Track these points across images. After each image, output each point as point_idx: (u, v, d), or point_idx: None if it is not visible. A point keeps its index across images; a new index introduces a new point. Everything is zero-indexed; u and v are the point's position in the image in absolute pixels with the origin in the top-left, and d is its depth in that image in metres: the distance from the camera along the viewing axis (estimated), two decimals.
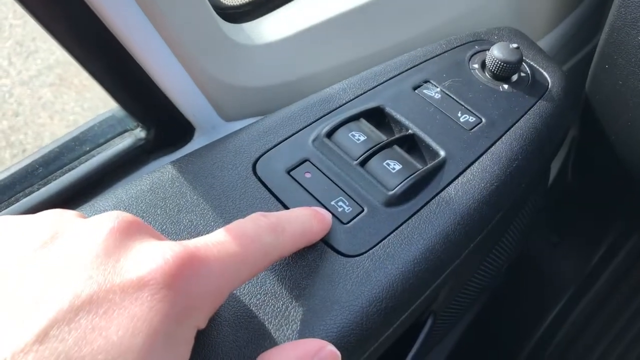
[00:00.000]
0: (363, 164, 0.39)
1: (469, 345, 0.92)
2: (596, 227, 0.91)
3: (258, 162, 0.39)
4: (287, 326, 0.32)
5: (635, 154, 0.54)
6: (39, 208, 0.43)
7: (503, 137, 0.43)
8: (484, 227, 0.40)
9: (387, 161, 0.39)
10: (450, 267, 0.38)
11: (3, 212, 0.42)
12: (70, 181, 0.44)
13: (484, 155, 0.41)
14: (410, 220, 0.37)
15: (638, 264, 0.93)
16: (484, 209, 0.39)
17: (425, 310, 0.45)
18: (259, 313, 0.32)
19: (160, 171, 0.39)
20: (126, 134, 0.46)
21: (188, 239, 0.34)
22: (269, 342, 0.31)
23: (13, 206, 0.42)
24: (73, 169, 0.44)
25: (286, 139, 0.41)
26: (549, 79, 0.47)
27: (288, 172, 0.39)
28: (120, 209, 0.36)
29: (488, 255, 0.53)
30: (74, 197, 0.43)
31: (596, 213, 0.90)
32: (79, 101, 1.54)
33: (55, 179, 0.44)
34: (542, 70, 0.47)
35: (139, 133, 0.46)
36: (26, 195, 0.43)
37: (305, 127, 0.41)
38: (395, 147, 0.41)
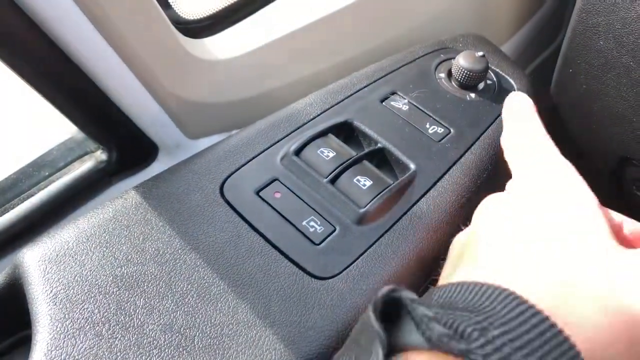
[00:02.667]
0: (333, 181, 0.38)
1: None
2: None
3: (225, 183, 0.38)
4: (261, 356, 0.31)
5: (599, 155, 0.54)
6: None
7: (472, 147, 0.42)
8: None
9: (358, 177, 0.39)
10: (425, 283, 0.37)
11: None
12: (29, 209, 0.42)
13: (454, 167, 0.41)
14: (383, 238, 0.37)
15: None
16: (455, 222, 0.39)
17: None
18: (232, 344, 0.31)
19: (124, 197, 0.37)
20: (86, 157, 0.44)
21: (154, 268, 0.33)
22: None
23: None
24: (31, 195, 0.42)
25: (253, 157, 0.40)
26: (514, 85, 0.47)
27: (257, 193, 0.38)
28: (82, 240, 0.35)
29: None
30: (32, 227, 0.41)
31: None
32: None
33: (12, 208, 0.42)
34: (508, 77, 0.47)
35: (100, 155, 0.44)
36: None
37: (273, 144, 0.40)
38: (365, 162, 0.40)
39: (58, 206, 0.43)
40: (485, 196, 0.39)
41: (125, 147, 0.44)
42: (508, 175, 0.36)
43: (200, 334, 0.32)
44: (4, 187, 0.42)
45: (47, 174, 0.43)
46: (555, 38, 0.74)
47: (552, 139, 0.61)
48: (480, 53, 0.45)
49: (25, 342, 0.39)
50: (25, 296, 0.35)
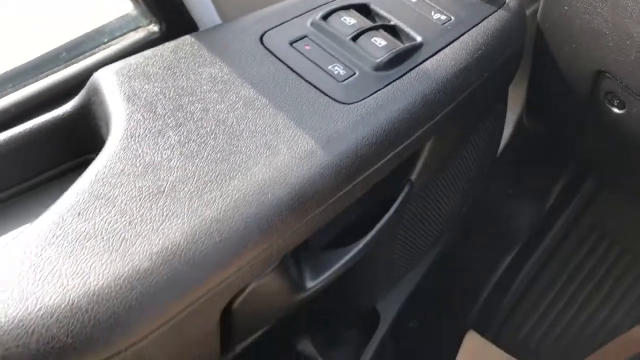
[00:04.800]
0: (354, 39, 0.46)
1: (426, 292, 0.98)
2: (549, 176, 0.99)
3: (264, 35, 0.46)
4: (292, 148, 0.38)
5: (578, 71, 0.62)
6: (61, 84, 0.48)
7: (469, 31, 0.50)
8: (454, 98, 0.47)
9: (374, 38, 0.46)
10: (427, 124, 0.45)
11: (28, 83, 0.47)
12: (92, 64, 0.49)
13: (454, 43, 0.49)
14: (395, 83, 0.44)
15: (589, 210, 1.01)
16: (454, 82, 0.47)
17: (404, 177, 0.51)
18: (275, 139, 0.38)
19: (179, 41, 0.44)
20: (140, 29, 0.52)
21: (208, 85, 0.40)
22: None
23: (40, 81, 0.47)
24: (93, 54, 0.50)
25: (287, 21, 0.47)
26: None
27: (291, 44, 0.45)
28: (148, 63, 0.42)
29: (455, 153, 0.60)
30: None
31: (549, 162, 0.98)
32: None
33: (78, 62, 0.49)
34: None
35: (152, 28, 0.52)
36: (51, 74, 0.48)
37: (303, 14, 0.48)
38: (381, 30, 0.48)
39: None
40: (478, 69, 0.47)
41: (172, 22, 0.52)
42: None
43: (248, 130, 0.39)
44: (73, 45, 0.49)
45: (106, 40, 0.51)
46: None
47: (538, 58, 0.69)
48: None
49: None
50: (95, 118, 0.42)
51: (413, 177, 0.50)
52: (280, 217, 0.36)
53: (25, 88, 0.46)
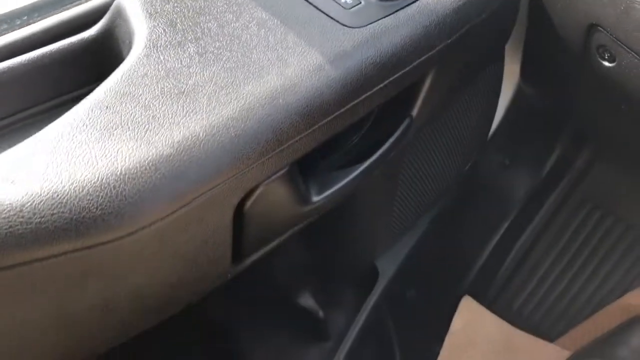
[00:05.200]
0: None
1: (423, 256, 1.01)
2: (544, 148, 1.02)
3: None
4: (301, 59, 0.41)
5: (571, 24, 0.65)
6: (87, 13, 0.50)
7: None
8: (453, 33, 0.50)
9: None
10: (427, 53, 0.48)
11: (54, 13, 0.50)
12: None
13: None
14: (398, 12, 0.48)
15: (583, 181, 1.04)
16: (453, 17, 0.50)
17: (405, 111, 0.55)
18: (285, 49, 0.41)
19: None
20: None
21: (224, 10, 0.43)
22: None
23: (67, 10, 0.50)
24: None
25: None
26: None
27: None
28: None
29: (453, 100, 0.63)
30: None
31: (545, 134, 1.01)
32: None
33: None
34: None
35: None
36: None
37: None
38: None
39: None
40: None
41: None
42: None
43: (261, 46, 0.42)
44: None
45: None
46: None
47: (533, 16, 0.72)
48: None
49: None
50: (119, 40, 0.45)
51: (414, 112, 0.53)
52: (290, 120, 0.39)
53: (52, 16, 0.49)
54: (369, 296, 0.83)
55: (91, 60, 0.46)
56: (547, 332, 1.02)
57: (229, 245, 0.42)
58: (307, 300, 0.82)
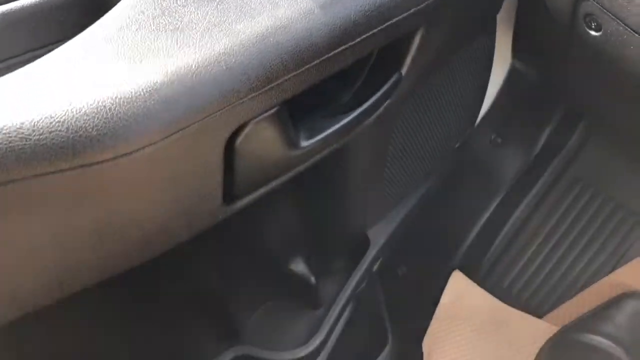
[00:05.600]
0: None
1: (414, 230, 1.02)
2: (537, 127, 1.04)
3: None
4: None
5: (562, 2, 0.67)
6: None
7: None
8: None
9: None
10: (415, 7, 0.50)
11: None
12: None
13: None
14: None
15: (574, 160, 1.05)
16: None
17: (394, 68, 0.56)
18: None
19: None
20: None
21: None
22: None
23: None
24: None
25: None
26: None
27: None
28: None
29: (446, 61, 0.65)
30: None
31: (538, 112, 1.03)
32: None
33: None
34: None
35: None
36: None
37: None
38: None
39: None
40: None
41: None
42: None
43: None
44: None
45: None
46: None
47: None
48: None
49: None
50: None
51: (403, 70, 0.55)
52: (280, 59, 0.41)
53: None
54: (359, 265, 0.85)
55: (92, 5, 0.47)
56: (536, 309, 1.04)
57: (220, 182, 0.44)
58: (299, 267, 0.84)
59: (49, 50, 0.45)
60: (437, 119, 0.78)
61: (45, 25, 0.47)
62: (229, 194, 0.46)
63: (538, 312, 0.98)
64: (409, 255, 1.09)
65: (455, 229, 1.08)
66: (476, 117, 0.94)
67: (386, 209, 0.87)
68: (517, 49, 0.87)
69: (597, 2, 0.64)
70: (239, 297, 0.81)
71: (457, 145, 0.92)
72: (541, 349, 0.93)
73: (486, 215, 1.08)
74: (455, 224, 1.08)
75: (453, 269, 1.05)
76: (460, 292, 1.06)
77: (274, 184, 0.49)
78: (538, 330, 0.96)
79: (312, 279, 0.83)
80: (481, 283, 1.05)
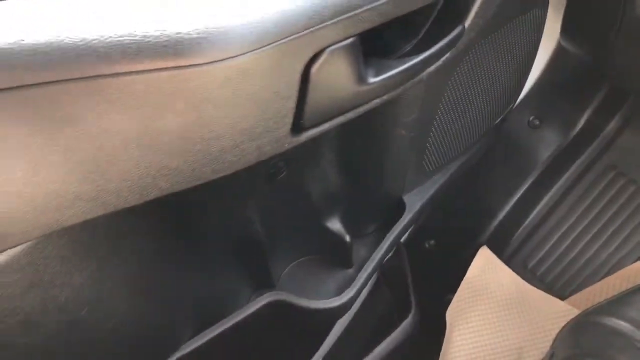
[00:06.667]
0: None
1: (447, 202, 1.04)
2: (575, 111, 1.06)
3: None
4: None
5: None
6: None
7: None
8: None
9: None
10: None
11: None
12: None
13: None
14: None
15: (609, 148, 1.07)
16: None
17: (458, 20, 0.58)
18: None
19: None
20: None
21: None
22: None
23: None
24: None
25: None
26: None
27: None
28: None
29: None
30: None
31: (578, 94, 1.04)
32: None
33: None
34: None
35: None
36: None
37: None
38: None
39: None
40: None
41: None
42: None
43: None
44: None
45: None
46: None
47: None
48: None
49: None
50: None
51: (466, 22, 0.57)
52: None
53: None
54: (392, 230, 0.87)
55: None
56: (560, 291, 1.05)
57: (292, 108, 0.46)
58: (335, 225, 0.86)
59: None
60: (484, 90, 0.80)
61: None
62: (297, 124, 0.49)
63: (561, 295, 0.99)
64: (439, 229, 1.11)
65: (486, 206, 1.09)
66: (518, 94, 0.95)
67: (424, 178, 0.89)
68: (566, 28, 0.88)
69: None
70: (277, 248, 0.83)
71: (496, 122, 0.93)
72: (561, 330, 0.94)
73: (518, 195, 1.09)
74: (486, 202, 1.10)
75: (481, 246, 1.07)
76: (486, 268, 1.07)
77: (338, 120, 0.51)
78: (560, 312, 0.98)
79: (347, 238, 0.86)
80: (507, 261, 1.07)
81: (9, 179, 0.37)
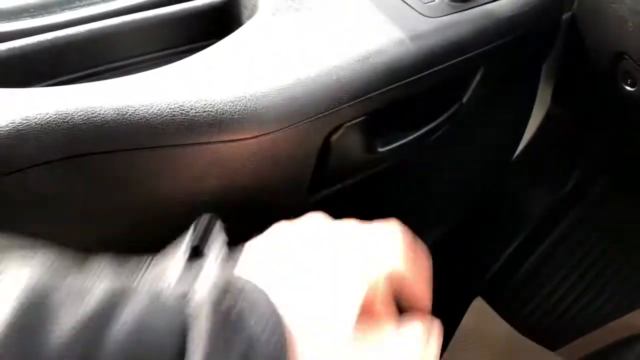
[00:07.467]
0: None
1: (443, 251, 1.09)
2: (565, 169, 1.13)
3: None
4: None
5: (600, 52, 0.76)
6: None
7: None
8: (501, 37, 0.62)
9: None
10: (478, 49, 0.59)
11: None
12: None
13: None
14: (464, 12, 0.59)
15: (596, 210, 1.13)
16: (505, 24, 0.61)
17: (458, 96, 0.66)
18: None
19: None
20: None
21: None
22: None
23: None
24: None
25: None
26: None
27: None
28: None
29: None
30: None
31: (567, 159, 1.11)
32: None
33: None
34: None
35: None
36: None
37: None
38: None
39: None
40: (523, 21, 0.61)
41: None
42: None
43: (353, 22, 0.54)
44: None
45: None
46: None
47: (569, 44, 0.83)
48: None
49: None
50: (241, 6, 0.57)
51: (464, 99, 0.65)
52: (376, 75, 0.51)
53: None
54: None
55: (213, 19, 0.58)
56: (550, 343, 1.10)
57: (311, 172, 0.54)
58: None
59: (182, 50, 0.55)
60: (476, 155, 0.87)
61: (179, 29, 0.57)
62: (315, 185, 0.56)
63: (552, 346, 1.04)
64: (434, 274, 1.15)
65: (481, 256, 1.15)
66: (512, 155, 1.03)
67: (423, 227, 0.95)
68: (556, 96, 0.96)
69: (635, 62, 0.74)
70: None
71: (492, 181, 1.00)
72: None
73: (510, 249, 1.15)
74: (481, 252, 1.15)
75: (475, 295, 1.12)
76: (480, 318, 1.12)
77: (351, 181, 0.58)
78: None
79: None
80: (500, 311, 1.12)
81: None
